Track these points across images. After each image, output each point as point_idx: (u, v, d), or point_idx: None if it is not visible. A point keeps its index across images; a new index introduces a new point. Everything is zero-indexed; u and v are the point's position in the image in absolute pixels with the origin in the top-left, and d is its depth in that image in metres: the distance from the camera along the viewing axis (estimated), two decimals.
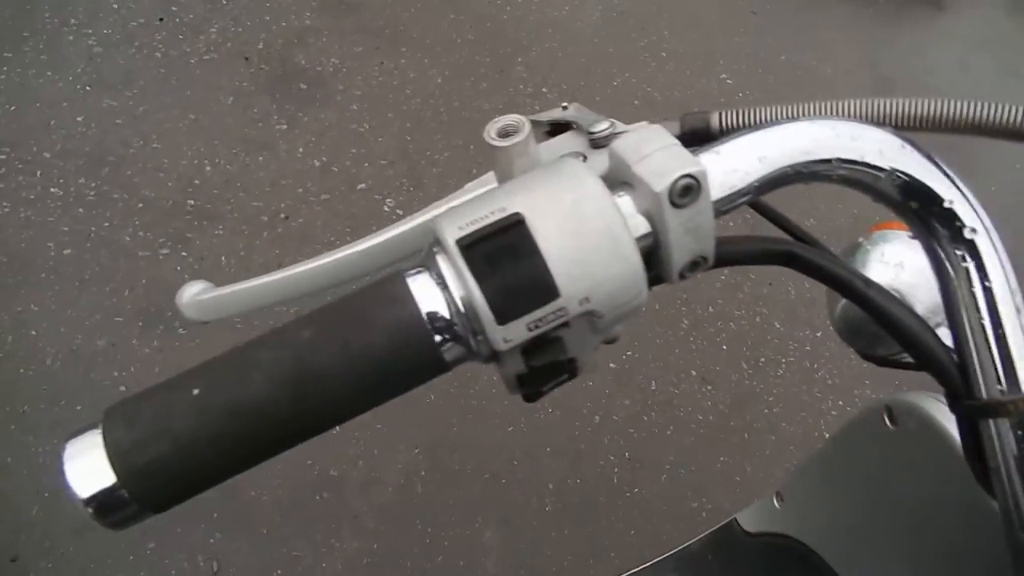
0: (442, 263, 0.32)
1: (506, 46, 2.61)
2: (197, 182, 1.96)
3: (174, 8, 2.32)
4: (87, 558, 1.43)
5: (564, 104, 0.49)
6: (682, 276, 0.36)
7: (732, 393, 1.94)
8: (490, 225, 0.31)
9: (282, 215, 1.96)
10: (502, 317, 0.31)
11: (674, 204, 0.33)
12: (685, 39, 2.88)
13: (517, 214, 0.31)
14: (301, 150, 2.11)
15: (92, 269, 1.75)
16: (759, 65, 2.90)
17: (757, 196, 0.37)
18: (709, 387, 1.93)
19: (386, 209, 2.06)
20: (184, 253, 1.83)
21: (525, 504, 1.64)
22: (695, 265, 0.36)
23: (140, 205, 1.87)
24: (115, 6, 2.26)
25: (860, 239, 0.51)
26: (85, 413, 1.56)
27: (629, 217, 0.33)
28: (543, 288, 0.31)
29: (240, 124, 2.12)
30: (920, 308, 0.43)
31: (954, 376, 0.37)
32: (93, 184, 1.88)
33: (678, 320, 2.04)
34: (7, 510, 1.45)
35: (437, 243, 0.33)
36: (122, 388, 1.59)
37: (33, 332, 1.64)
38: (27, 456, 1.51)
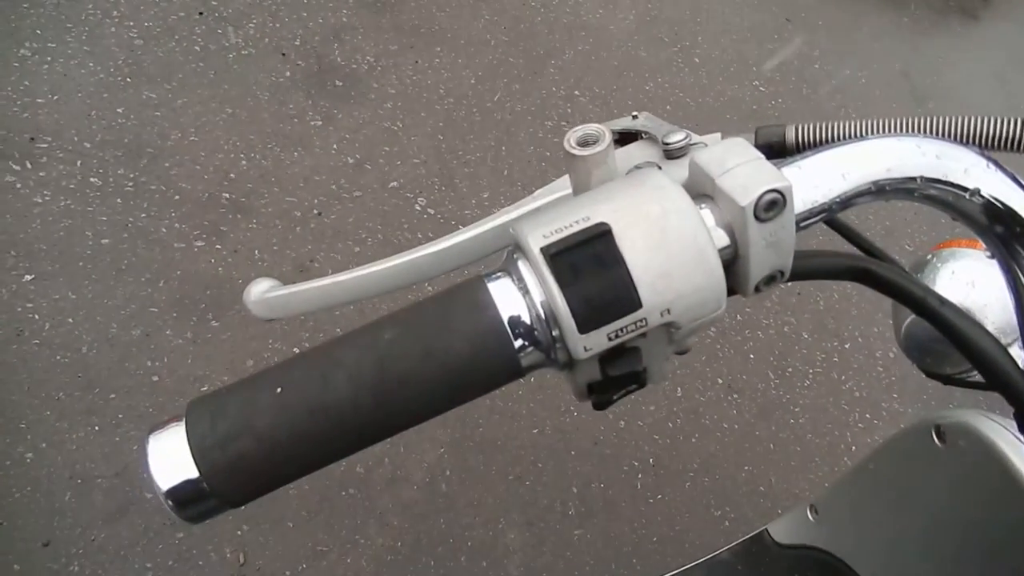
0: (524, 269, 0.32)
1: (539, 48, 2.62)
2: (232, 176, 1.98)
3: (214, 2, 2.34)
4: (117, 545, 1.45)
5: (634, 113, 0.49)
6: (758, 289, 0.36)
7: (758, 402, 1.93)
8: (577, 234, 0.32)
9: (315, 211, 1.98)
10: (584, 326, 0.31)
11: (758, 218, 0.33)
12: (718, 45, 2.87)
13: (604, 224, 0.32)
14: (335, 147, 2.13)
15: (129, 259, 1.77)
16: (793, 73, 2.89)
17: (838, 212, 0.37)
18: (735, 396, 1.92)
19: (417, 208, 2.07)
20: (218, 246, 1.85)
21: (549, 507, 1.65)
22: (772, 279, 0.36)
23: (176, 197, 1.90)
24: None
25: (929, 256, 0.50)
26: (118, 401, 1.58)
27: (711, 230, 0.34)
28: (626, 299, 0.31)
29: (276, 119, 2.13)
30: (991, 327, 0.43)
31: None
32: (131, 175, 1.90)
33: None
34: (40, 495, 1.47)
35: (518, 249, 0.33)
36: (155, 378, 1.61)
37: (70, 320, 1.66)
38: (61, 442, 1.53)
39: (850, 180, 0.36)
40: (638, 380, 0.36)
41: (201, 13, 2.32)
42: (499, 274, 0.34)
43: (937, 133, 0.41)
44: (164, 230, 1.84)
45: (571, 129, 0.39)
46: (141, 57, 2.13)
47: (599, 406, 0.37)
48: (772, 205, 0.33)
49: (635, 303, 0.31)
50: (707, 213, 0.34)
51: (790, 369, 2.03)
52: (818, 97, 2.83)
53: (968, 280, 0.47)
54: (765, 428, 1.89)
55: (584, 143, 0.38)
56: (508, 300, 0.32)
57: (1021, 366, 0.38)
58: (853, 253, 0.43)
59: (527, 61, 2.56)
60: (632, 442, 1.77)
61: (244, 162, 2.01)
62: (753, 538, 1.00)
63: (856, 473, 0.81)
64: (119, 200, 1.85)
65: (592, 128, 0.39)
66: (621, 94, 2.56)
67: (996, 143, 0.40)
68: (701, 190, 0.35)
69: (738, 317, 2.08)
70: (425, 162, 2.17)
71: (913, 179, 0.36)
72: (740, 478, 1.79)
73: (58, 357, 1.61)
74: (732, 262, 0.35)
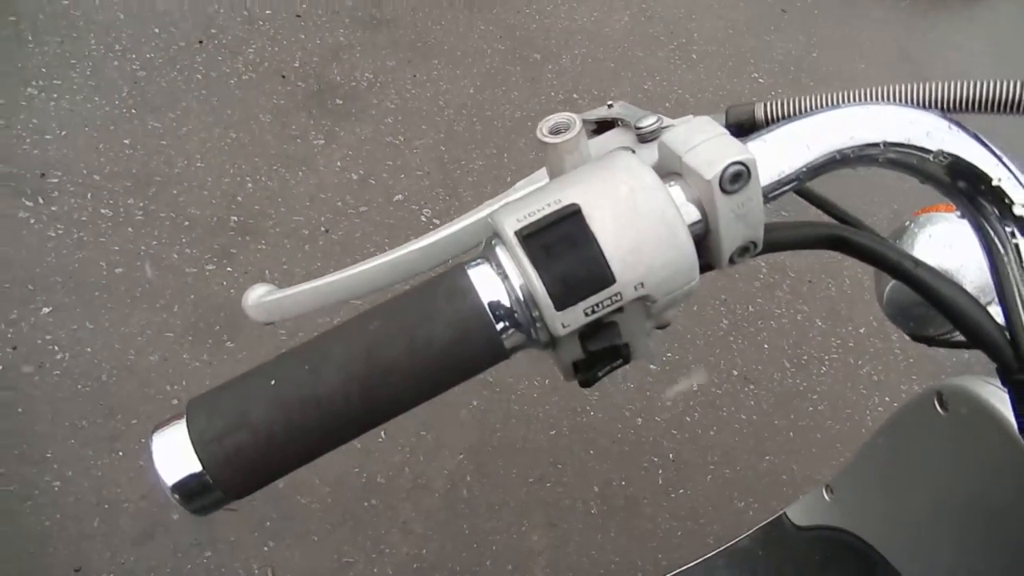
0: (501, 254, 0.33)
1: (536, 54, 2.64)
2: (240, 199, 2.01)
3: (213, 30, 2.38)
4: (146, 567, 1.47)
5: (610, 102, 0.50)
6: (732, 261, 0.37)
7: (775, 392, 1.92)
8: (548, 216, 0.33)
9: (322, 228, 2.00)
10: (560, 303, 0.32)
11: (724, 191, 0.34)
12: (715, 40, 2.88)
13: (574, 204, 0.33)
14: (339, 164, 2.16)
15: (142, 286, 1.80)
16: (791, 63, 2.89)
17: (805, 182, 0.38)
18: (752, 386, 1.92)
19: (423, 219, 2.09)
20: (229, 268, 1.88)
21: (571, 507, 1.65)
22: (745, 250, 0.37)
23: (186, 223, 1.93)
24: (156, 30, 2.33)
25: (907, 222, 0.51)
26: (140, 426, 1.61)
27: (680, 205, 0.35)
28: (599, 275, 0.32)
29: (279, 141, 2.16)
30: (969, 287, 0.43)
31: (1006, 351, 0.38)
32: (141, 204, 1.94)
33: (718, 320, 2.03)
34: (69, 522, 1.49)
35: (496, 236, 0.34)
36: (175, 401, 1.63)
37: (88, 349, 1.69)
38: (86, 469, 1.55)
39: (815, 150, 0.37)
40: (621, 355, 0.36)
41: (201, 42, 2.36)
42: (478, 261, 0.35)
43: (901, 100, 0.42)
44: (176, 256, 1.86)
45: (543, 119, 0.40)
46: (145, 88, 2.16)
47: (585, 383, 0.38)
48: (737, 177, 0.34)
49: (608, 278, 0.32)
50: (677, 190, 0.35)
51: (805, 357, 2.02)
52: (818, 86, 2.83)
53: (945, 242, 0.48)
54: (784, 417, 1.88)
55: (556, 131, 0.39)
56: (488, 284, 0.33)
57: (999, 321, 0.38)
58: (827, 222, 0.43)
59: (524, 68, 2.58)
60: (651, 438, 1.77)
61: (250, 185, 2.04)
62: (772, 522, 1.00)
63: (867, 449, 0.81)
64: (130, 229, 1.88)
65: (563, 116, 0.40)
66: (619, 95, 2.57)
67: (958, 106, 0.40)
68: (671, 168, 0.36)
69: (750, 308, 2.08)
70: (428, 173, 2.19)
71: (876, 145, 0.37)
72: (761, 468, 1.79)
73: (79, 386, 1.64)
74: (704, 236, 0.36)
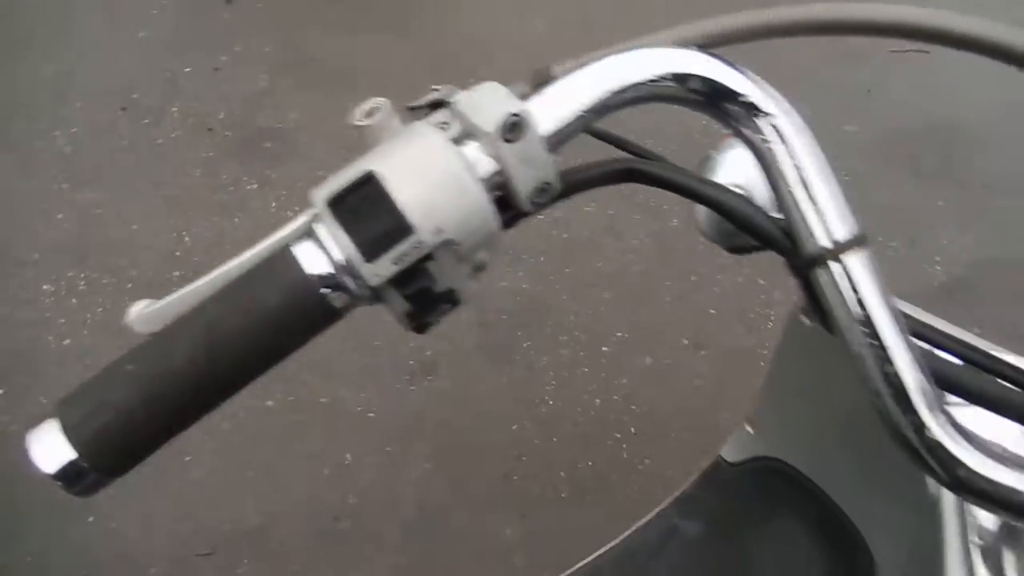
0: (316, 224, 0.39)
1: (458, 70, 2.69)
2: (178, 253, 2.04)
3: (134, 95, 2.42)
4: None
5: (435, 87, 0.55)
6: (535, 203, 0.42)
7: (727, 353, 1.98)
8: (349, 184, 0.38)
9: None
10: (369, 256, 0.37)
11: (507, 140, 0.39)
12: (639, 30, 2.95)
13: (370, 171, 0.38)
14: (274, 204, 2.19)
15: (93, 356, 1.82)
16: (733, 48, 2.96)
17: (588, 124, 0.43)
18: (703, 351, 1.97)
19: None
20: None
21: (541, 496, 1.69)
22: (542, 191, 0.42)
23: (129, 285, 1.95)
24: (79, 105, 2.36)
25: (710, 151, 0.57)
26: (111, 490, 1.62)
27: (476, 159, 0.40)
28: (399, 226, 0.37)
29: (212, 192, 2.20)
30: (761, 198, 0.49)
31: (784, 242, 0.43)
32: (82, 274, 1.96)
33: (661, 296, 2.08)
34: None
35: (312, 211, 0.40)
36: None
37: None
38: (64, 539, 1.57)
39: (588, 96, 0.42)
40: (446, 299, 0.41)
41: (124, 108, 2.39)
42: (301, 236, 0.40)
43: (668, 43, 0.47)
44: (121, 319, 1.88)
45: (357, 106, 0.45)
46: (72, 162, 2.20)
47: (419, 329, 0.43)
48: (515, 127, 0.39)
49: (407, 229, 0.37)
50: (473, 147, 0.41)
51: (752, 315, 2.07)
52: (744, 60, 2.90)
53: (738, 162, 0.54)
54: (738, 374, 1.93)
55: (369, 115, 0.45)
56: (308, 254, 0.38)
57: (779, 217, 0.43)
58: (620, 157, 0.49)
59: (448, 82, 2.63)
60: (610, 416, 1.82)
61: (187, 238, 2.07)
62: (710, 466, 1.05)
63: (770, 378, 0.87)
64: (74, 300, 1.91)
65: (373, 101, 0.45)
66: None
67: (717, 40, 0.46)
68: (468, 131, 0.42)
69: (692, 278, 2.13)
70: None
71: (641, 83, 0.42)
72: (723, 425, 1.82)
73: None
74: (504, 185, 0.41)
